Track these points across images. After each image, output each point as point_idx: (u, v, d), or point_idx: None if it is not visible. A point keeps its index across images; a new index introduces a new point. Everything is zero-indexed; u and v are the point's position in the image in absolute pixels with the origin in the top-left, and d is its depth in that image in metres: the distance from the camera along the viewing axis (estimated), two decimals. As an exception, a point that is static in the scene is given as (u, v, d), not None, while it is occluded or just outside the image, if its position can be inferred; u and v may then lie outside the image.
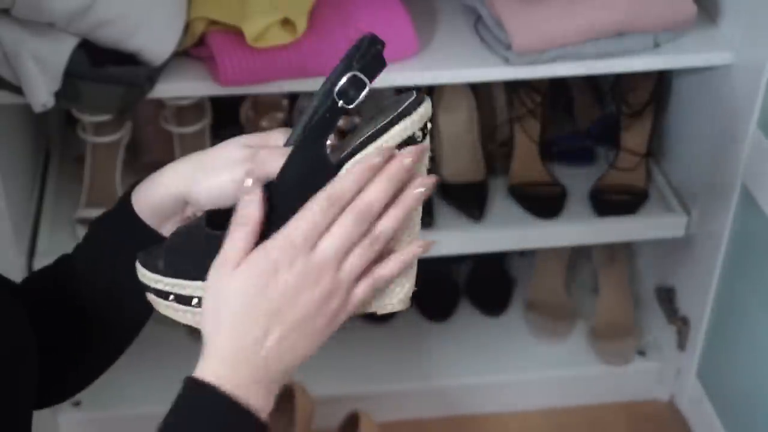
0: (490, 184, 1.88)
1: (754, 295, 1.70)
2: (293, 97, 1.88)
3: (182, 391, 0.76)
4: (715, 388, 1.85)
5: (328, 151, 0.78)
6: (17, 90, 1.47)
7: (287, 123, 1.88)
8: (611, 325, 2.00)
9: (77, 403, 1.84)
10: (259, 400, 0.79)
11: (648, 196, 1.88)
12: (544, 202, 1.86)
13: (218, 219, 0.81)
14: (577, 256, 2.10)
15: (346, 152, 0.78)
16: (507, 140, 1.94)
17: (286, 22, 1.51)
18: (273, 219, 0.78)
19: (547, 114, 1.93)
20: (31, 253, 1.70)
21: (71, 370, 0.97)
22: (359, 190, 0.76)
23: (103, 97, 1.50)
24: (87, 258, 0.93)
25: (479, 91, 1.91)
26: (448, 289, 2.09)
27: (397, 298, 0.83)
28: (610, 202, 1.86)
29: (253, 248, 0.76)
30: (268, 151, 0.80)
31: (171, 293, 0.81)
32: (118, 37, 1.46)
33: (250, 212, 0.77)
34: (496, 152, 1.94)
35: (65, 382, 0.98)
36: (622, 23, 1.57)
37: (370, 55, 0.77)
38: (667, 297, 1.93)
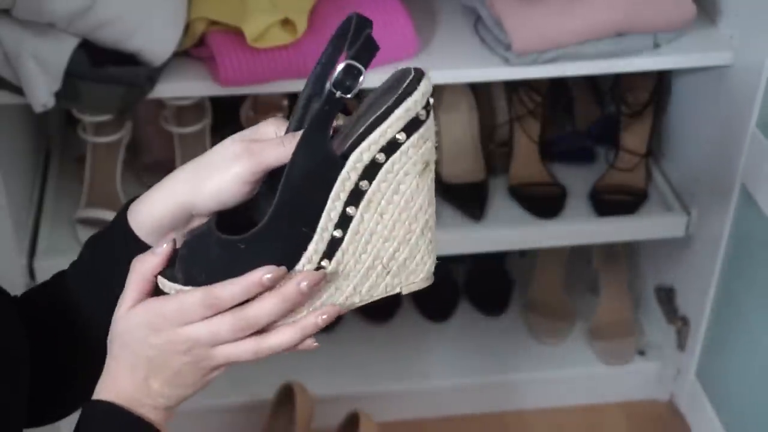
0: (490, 184, 1.88)
1: (753, 295, 1.70)
2: (293, 97, 1.88)
3: (82, 414, 0.82)
4: (715, 388, 1.85)
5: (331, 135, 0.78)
6: (17, 90, 1.47)
7: (287, 123, 1.87)
8: (611, 325, 2.00)
9: (77, 403, 1.84)
10: (150, 416, 0.83)
11: (648, 196, 1.88)
12: (544, 202, 1.86)
13: (225, 222, 0.81)
14: (577, 256, 2.10)
15: (350, 142, 0.78)
16: (507, 140, 1.94)
17: (286, 22, 1.51)
18: (286, 214, 0.78)
19: (547, 114, 1.93)
20: (32, 252, 1.70)
21: (67, 390, 0.97)
22: (240, 301, 0.79)
23: (103, 97, 1.50)
24: (81, 277, 0.93)
25: (479, 91, 1.91)
26: (448, 289, 2.09)
27: (420, 276, 0.83)
28: (610, 202, 1.86)
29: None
30: (262, 144, 0.81)
31: None
32: (118, 37, 1.46)
33: (152, 263, 0.82)
34: (496, 152, 1.94)
35: (61, 400, 0.98)
36: (622, 23, 1.57)
37: (361, 41, 0.76)
38: (666, 297, 1.93)
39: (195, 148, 1.79)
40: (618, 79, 1.89)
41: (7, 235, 1.62)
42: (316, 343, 0.81)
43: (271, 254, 0.79)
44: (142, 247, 0.86)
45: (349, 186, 0.78)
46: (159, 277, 0.82)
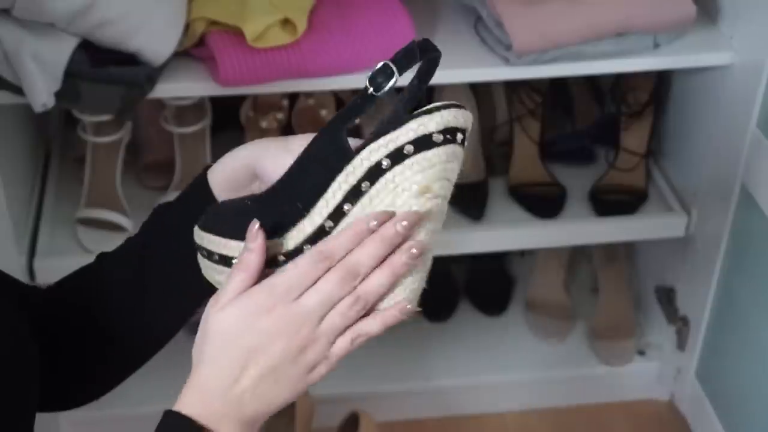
0: (490, 184, 1.88)
1: (753, 294, 1.70)
2: (293, 97, 1.88)
3: (160, 423, 0.78)
4: (715, 388, 1.85)
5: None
6: (17, 90, 1.47)
7: (287, 123, 1.88)
8: (611, 325, 2.00)
9: (77, 403, 1.84)
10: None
11: (648, 196, 1.88)
12: (544, 202, 1.86)
13: None
14: (577, 256, 2.10)
15: (363, 142, 0.79)
16: (507, 140, 1.94)
17: (286, 22, 1.51)
18: (289, 186, 0.80)
19: (547, 114, 1.93)
20: (32, 252, 1.70)
21: (89, 377, 0.98)
22: (350, 249, 0.78)
23: (103, 97, 1.50)
24: (142, 244, 0.93)
25: (479, 91, 1.91)
26: (448, 289, 2.09)
27: (401, 296, 0.83)
28: (610, 202, 1.86)
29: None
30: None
31: (203, 248, 0.83)
32: (118, 37, 1.46)
33: (251, 259, 0.78)
34: (496, 152, 1.94)
35: (82, 388, 0.99)
36: (622, 23, 1.57)
37: (406, 47, 0.80)
38: (667, 297, 1.93)
39: (195, 148, 1.79)
40: (618, 79, 1.89)
41: (7, 235, 1.62)
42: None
43: (267, 217, 0.80)
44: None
45: (352, 180, 0.79)
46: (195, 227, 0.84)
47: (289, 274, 0.78)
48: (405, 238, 0.79)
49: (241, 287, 0.78)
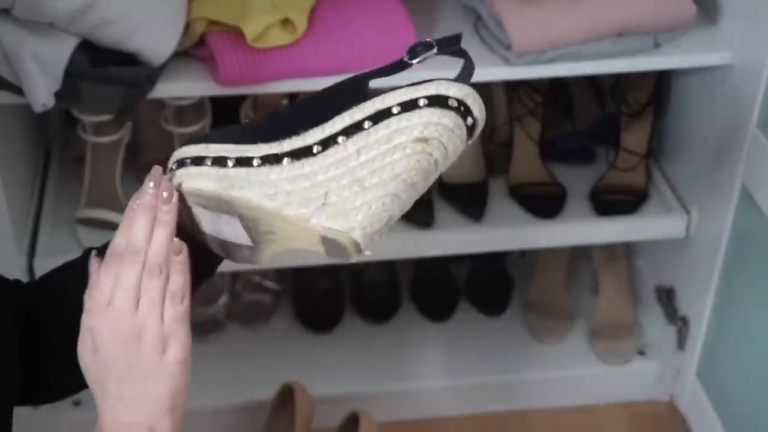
0: (490, 184, 1.88)
1: (754, 295, 1.70)
2: (293, 97, 1.88)
3: None
4: (715, 388, 1.85)
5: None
6: (17, 90, 1.47)
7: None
8: (611, 325, 2.00)
9: (77, 403, 1.84)
10: None
11: (648, 196, 1.88)
12: (544, 202, 1.86)
13: None
14: (577, 256, 2.10)
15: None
16: (507, 140, 1.94)
17: (286, 22, 1.51)
18: (300, 109, 0.84)
19: (547, 114, 1.93)
20: (31, 252, 1.70)
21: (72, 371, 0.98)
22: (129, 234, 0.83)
23: (103, 97, 1.50)
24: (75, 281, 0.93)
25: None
26: (448, 289, 2.09)
27: (343, 224, 0.79)
28: (610, 202, 1.86)
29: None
30: None
31: (186, 158, 0.88)
32: (118, 37, 1.46)
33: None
34: (496, 152, 1.94)
35: (64, 382, 0.99)
36: (622, 23, 1.57)
37: (453, 34, 0.85)
38: (667, 297, 1.93)
39: (195, 148, 1.79)
40: (618, 79, 1.89)
41: (7, 235, 1.62)
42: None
43: (263, 131, 0.84)
44: None
45: (358, 116, 0.82)
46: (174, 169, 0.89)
47: (93, 291, 0.82)
48: (155, 195, 0.84)
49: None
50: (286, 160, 0.82)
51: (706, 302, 1.82)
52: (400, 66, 0.84)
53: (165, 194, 0.83)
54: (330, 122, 0.82)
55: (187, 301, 0.82)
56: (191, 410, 1.87)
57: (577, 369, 1.98)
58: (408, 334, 2.02)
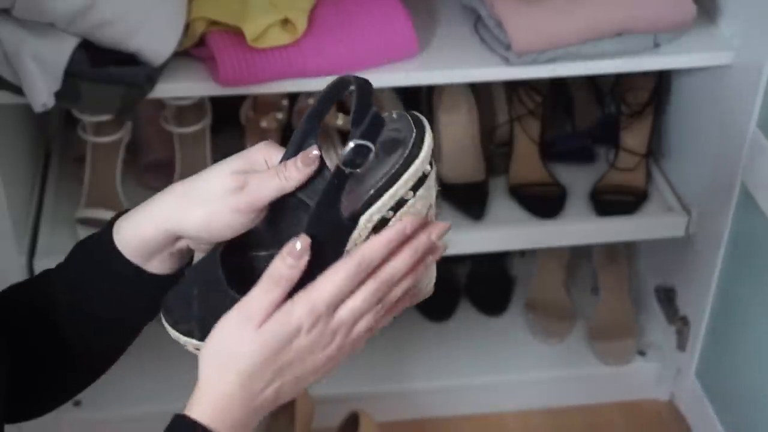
0: (490, 184, 1.88)
1: (754, 294, 1.70)
2: (293, 97, 1.88)
3: (170, 426, 0.78)
4: (715, 388, 1.85)
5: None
6: (17, 90, 1.47)
7: (287, 123, 1.88)
8: (611, 325, 2.00)
9: (77, 403, 1.84)
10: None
11: (648, 196, 1.88)
12: (544, 202, 1.86)
13: (232, 256, 0.82)
14: (577, 256, 2.10)
15: (361, 203, 0.79)
16: (507, 140, 1.94)
17: (286, 22, 1.51)
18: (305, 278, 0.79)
19: (547, 114, 1.93)
20: (31, 252, 1.70)
21: (51, 385, 0.97)
22: (384, 257, 0.79)
23: (103, 97, 1.50)
24: (65, 281, 0.92)
25: (479, 91, 1.91)
26: (448, 289, 2.09)
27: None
28: (610, 202, 1.86)
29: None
30: (257, 178, 0.81)
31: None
32: (118, 37, 1.46)
33: (290, 275, 0.78)
34: (496, 152, 1.94)
35: (47, 394, 0.98)
36: (622, 23, 1.57)
37: (368, 120, 0.77)
38: (667, 297, 1.93)
39: (195, 148, 1.79)
40: (618, 79, 1.89)
41: (7, 235, 1.62)
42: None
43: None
44: (126, 264, 0.86)
45: (360, 241, 0.80)
46: (162, 318, 0.83)
47: (328, 288, 0.78)
48: (434, 247, 0.81)
49: (276, 303, 0.78)
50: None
51: (706, 302, 1.82)
52: (348, 178, 0.78)
53: (434, 235, 0.82)
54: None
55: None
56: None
57: (577, 369, 1.98)
58: (408, 334, 2.02)
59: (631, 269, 2.06)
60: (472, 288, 2.10)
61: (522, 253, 2.13)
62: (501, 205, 1.86)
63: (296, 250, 0.77)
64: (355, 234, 0.79)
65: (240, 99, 1.84)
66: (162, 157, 1.83)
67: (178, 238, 0.85)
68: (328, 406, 1.82)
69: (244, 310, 0.78)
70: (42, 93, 1.43)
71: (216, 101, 1.81)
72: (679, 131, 1.89)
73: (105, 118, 1.71)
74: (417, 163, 0.79)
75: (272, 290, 0.77)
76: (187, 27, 1.53)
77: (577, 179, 1.91)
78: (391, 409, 1.91)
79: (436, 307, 2.06)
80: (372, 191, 0.79)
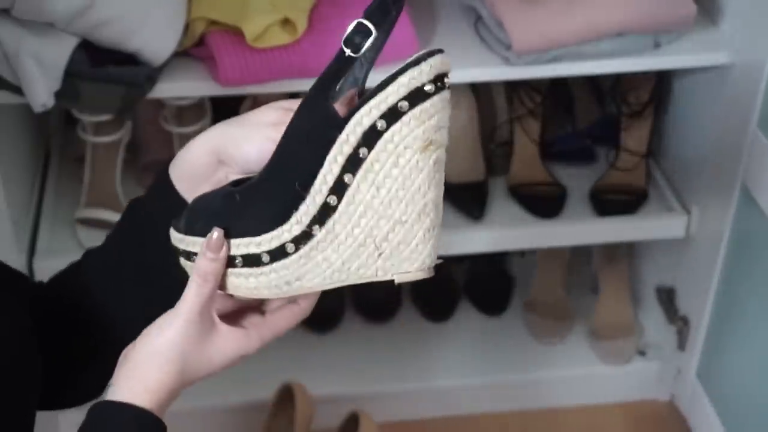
0: (490, 184, 1.88)
1: (754, 295, 1.70)
2: (293, 97, 1.88)
3: (95, 411, 0.79)
4: (715, 388, 1.85)
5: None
6: (17, 90, 1.47)
7: (287, 123, 1.87)
8: (611, 325, 2.00)
9: (77, 403, 1.84)
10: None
11: (648, 196, 1.88)
12: (544, 202, 1.86)
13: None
14: (577, 256, 2.10)
15: (352, 108, 0.76)
16: (507, 140, 1.94)
17: (286, 22, 1.51)
18: (282, 169, 0.78)
19: (547, 114, 1.93)
20: (31, 252, 1.70)
21: (85, 377, 0.97)
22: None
23: (103, 97, 1.50)
24: (115, 247, 0.93)
25: (479, 91, 1.91)
26: (448, 289, 2.09)
27: (415, 265, 0.79)
28: (610, 202, 1.86)
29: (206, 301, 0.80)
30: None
31: (190, 252, 0.81)
32: (118, 37, 1.46)
33: (214, 269, 0.79)
34: (496, 152, 1.94)
35: (79, 387, 0.99)
36: (622, 23, 1.57)
37: (375, 3, 0.77)
38: (667, 297, 1.93)
39: (195, 148, 1.79)
40: (618, 79, 1.89)
41: (7, 235, 1.62)
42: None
43: (261, 209, 0.78)
44: (179, 204, 0.87)
45: (348, 150, 0.76)
46: (171, 229, 0.83)
47: (281, 329, 0.84)
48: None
49: (207, 299, 0.79)
50: (315, 229, 0.78)
51: (706, 302, 1.82)
52: (347, 63, 0.77)
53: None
54: (325, 167, 0.77)
55: None
56: (192, 410, 1.88)
57: (577, 369, 1.98)
58: (408, 334, 2.02)
59: (631, 269, 2.06)
60: (472, 288, 2.10)
61: (522, 253, 2.13)
62: (501, 205, 1.86)
63: (212, 241, 0.78)
64: (343, 135, 0.76)
65: (240, 99, 1.84)
66: (162, 157, 1.83)
67: (220, 165, 0.85)
68: (328, 406, 1.83)
69: (173, 311, 0.80)
70: (42, 93, 1.43)
71: (216, 101, 1.81)
72: (679, 131, 1.89)
73: (105, 117, 1.71)
74: (414, 70, 0.75)
75: (202, 286, 0.79)
76: (187, 27, 1.53)
77: (577, 179, 1.91)
78: (391, 409, 1.91)
79: (436, 307, 2.06)
80: (367, 94, 0.76)
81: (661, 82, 1.87)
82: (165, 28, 1.49)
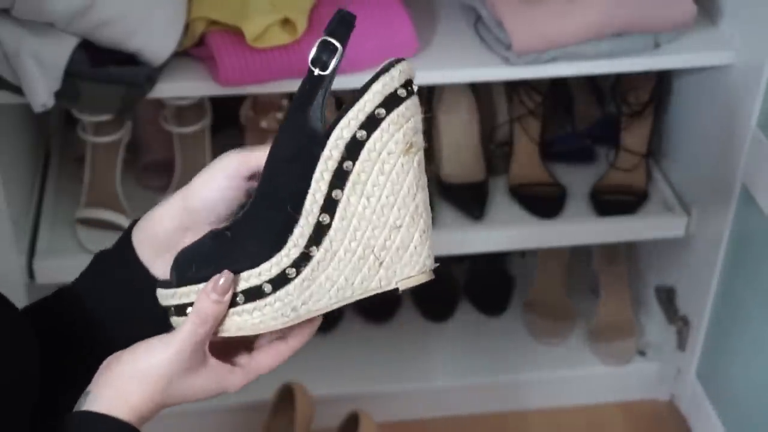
0: (490, 184, 1.88)
1: (754, 295, 1.70)
2: (293, 97, 1.88)
3: (74, 420, 0.79)
4: (715, 388, 1.85)
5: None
6: (17, 90, 1.47)
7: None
8: (611, 325, 2.00)
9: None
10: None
11: (648, 196, 1.88)
12: (544, 202, 1.86)
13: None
14: (577, 256, 2.10)
15: (333, 120, 0.78)
16: (507, 140, 1.94)
17: (286, 22, 1.51)
18: (270, 195, 0.78)
19: (547, 114, 1.93)
20: (31, 252, 1.70)
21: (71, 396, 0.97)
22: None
23: (103, 97, 1.50)
24: (90, 291, 0.91)
25: (479, 91, 1.91)
26: (448, 289, 2.09)
27: (416, 269, 0.80)
28: (610, 202, 1.86)
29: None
30: (260, 147, 0.81)
31: (187, 304, 0.81)
32: (118, 37, 1.46)
33: (215, 311, 0.79)
34: (496, 152, 1.94)
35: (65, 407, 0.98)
36: (622, 23, 1.57)
37: (336, 17, 0.79)
38: (667, 297, 1.93)
39: (195, 148, 1.79)
40: (618, 79, 1.89)
41: (7, 235, 1.62)
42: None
43: (256, 239, 0.78)
44: (140, 269, 0.86)
45: (332, 165, 0.77)
46: (157, 291, 0.82)
47: (266, 367, 0.85)
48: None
49: (202, 340, 0.79)
50: (313, 249, 0.78)
51: (706, 302, 1.82)
52: (318, 82, 0.78)
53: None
54: (312, 185, 0.77)
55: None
56: (192, 410, 1.88)
57: (577, 369, 1.98)
58: (408, 334, 2.02)
59: (631, 269, 2.06)
60: (472, 288, 2.10)
61: (522, 253, 2.13)
62: (501, 205, 1.86)
63: (220, 285, 0.78)
64: (326, 151, 0.77)
65: (240, 99, 1.84)
66: (162, 157, 1.83)
67: (187, 231, 0.84)
68: (328, 406, 1.83)
69: (166, 339, 0.80)
70: (42, 93, 1.43)
71: (216, 101, 1.81)
72: (679, 131, 1.89)
73: (105, 117, 1.71)
74: (386, 76, 0.77)
75: (200, 327, 0.79)
76: (187, 27, 1.53)
77: (577, 179, 1.91)
78: (391, 409, 1.91)
79: (436, 307, 2.06)
80: (343, 108, 0.78)
81: (661, 82, 1.87)
82: (165, 28, 1.49)
